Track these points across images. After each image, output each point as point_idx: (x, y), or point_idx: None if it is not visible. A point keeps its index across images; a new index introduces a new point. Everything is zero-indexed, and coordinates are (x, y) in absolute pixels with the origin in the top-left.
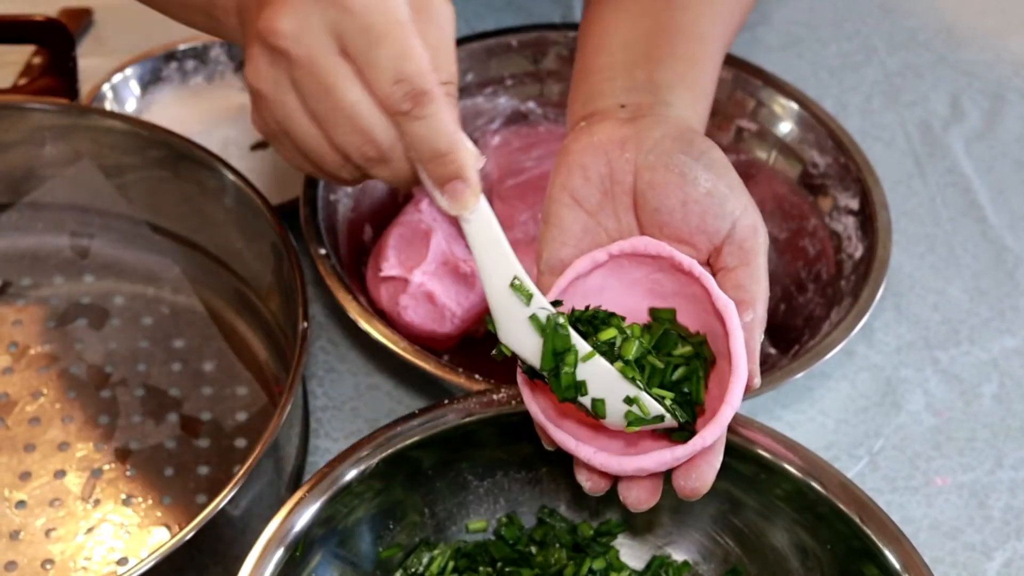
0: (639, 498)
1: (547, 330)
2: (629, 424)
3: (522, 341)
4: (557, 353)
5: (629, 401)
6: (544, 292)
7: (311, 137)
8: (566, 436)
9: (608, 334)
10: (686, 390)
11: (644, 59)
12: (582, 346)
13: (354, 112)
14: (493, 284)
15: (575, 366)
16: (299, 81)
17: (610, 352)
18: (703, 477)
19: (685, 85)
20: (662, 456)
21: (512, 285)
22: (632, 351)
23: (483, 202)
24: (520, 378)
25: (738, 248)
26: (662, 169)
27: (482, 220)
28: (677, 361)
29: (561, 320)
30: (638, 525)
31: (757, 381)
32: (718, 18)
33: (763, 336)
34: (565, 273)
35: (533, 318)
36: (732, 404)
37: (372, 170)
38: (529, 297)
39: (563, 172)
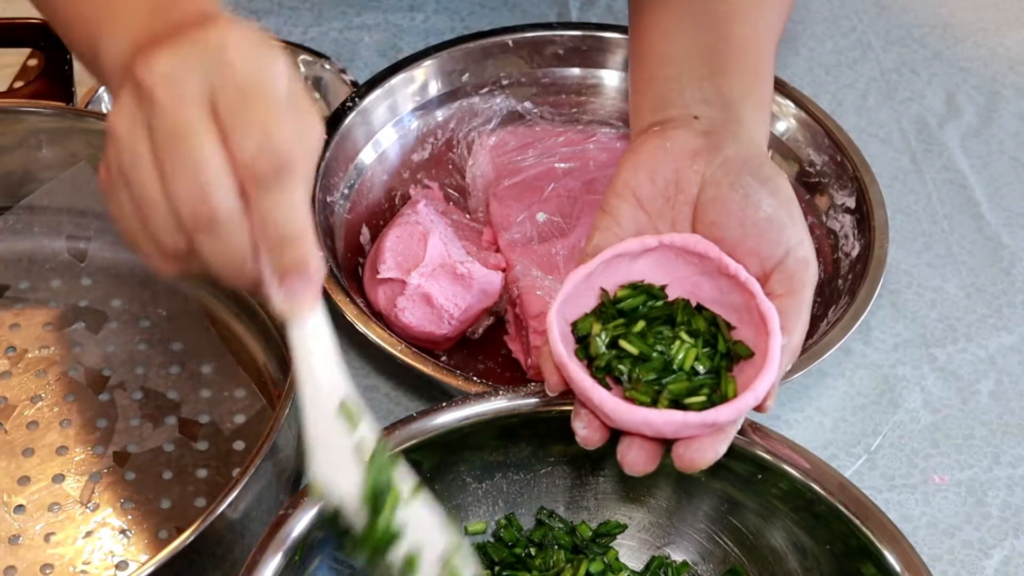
0: (636, 460)
1: (373, 465)
2: None
3: (338, 475)
4: (378, 493)
5: (446, 558)
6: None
7: (148, 186)
8: (583, 374)
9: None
10: (716, 375)
11: (710, 71)
12: (409, 483)
13: (201, 165)
14: (317, 405)
15: (394, 510)
16: (156, 127)
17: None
18: (703, 452)
19: (752, 100)
20: (672, 417)
21: (342, 407)
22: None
23: (320, 310)
24: (551, 316)
25: (787, 277)
26: (727, 187)
27: (316, 329)
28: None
29: (390, 451)
30: (637, 525)
31: (770, 403)
32: (771, 27)
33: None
34: (612, 246)
35: (359, 449)
36: (756, 394)
37: (200, 239)
38: (354, 424)
39: (630, 170)
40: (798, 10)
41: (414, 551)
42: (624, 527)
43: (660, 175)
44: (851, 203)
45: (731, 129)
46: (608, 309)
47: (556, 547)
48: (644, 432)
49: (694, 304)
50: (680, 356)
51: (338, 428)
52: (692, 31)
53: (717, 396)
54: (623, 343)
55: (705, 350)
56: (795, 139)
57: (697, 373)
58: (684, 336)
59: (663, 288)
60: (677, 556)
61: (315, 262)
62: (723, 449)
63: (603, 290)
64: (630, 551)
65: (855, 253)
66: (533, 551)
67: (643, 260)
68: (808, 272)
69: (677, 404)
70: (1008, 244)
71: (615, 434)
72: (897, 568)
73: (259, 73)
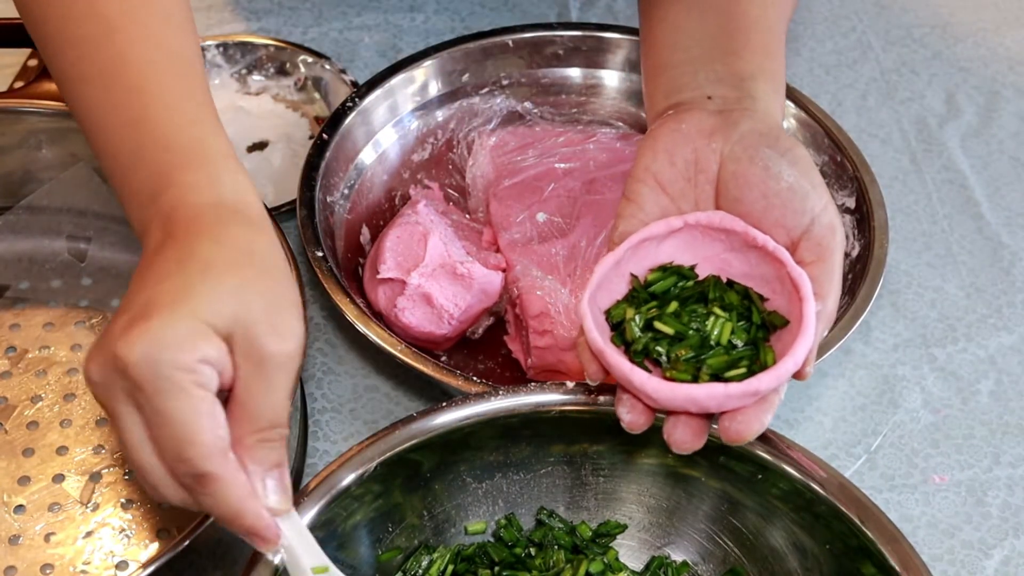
0: (683, 438)
1: None
2: None
3: None
4: None
5: None
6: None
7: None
8: (622, 359)
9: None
10: (754, 347)
11: (721, 52)
12: None
13: (142, 469)
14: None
15: None
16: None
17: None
18: (749, 423)
19: (765, 77)
20: (714, 389)
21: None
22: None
23: (290, 518)
24: (583, 306)
25: (816, 244)
26: (747, 161)
27: (291, 528)
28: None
29: None
30: (637, 525)
31: (810, 370)
32: (781, 10)
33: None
34: (637, 232)
35: None
36: (795, 359)
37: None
38: None
39: (648, 155)
40: (798, 10)
41: None
42: (624, 527)
43: (679, 156)
44: (851, 203)
45: (745, 105)
46: (640, 294)
47: (556, 547)
48: (689, 409)
49: (725, 280)
50: (716, 332)
51: None
52: (701, 17)
53: (757, 366)
54: (658, 324)
55: (740, 323)
56: (794, 139)
57: (735, 347)
58: (718, 311)
59: (692, 268)
60: (677, 556)
61: (259, 525)
62: (767, 420)
63: (633, 275)
64: (630, 551)
65: (855, 253)
66: (533, 551)
67: (670, 242)
68: (836, 237)
69: (718, 378)
70: (1008, 244)
71: (605, 431)
72: (897, 568)
73: (162, 390)
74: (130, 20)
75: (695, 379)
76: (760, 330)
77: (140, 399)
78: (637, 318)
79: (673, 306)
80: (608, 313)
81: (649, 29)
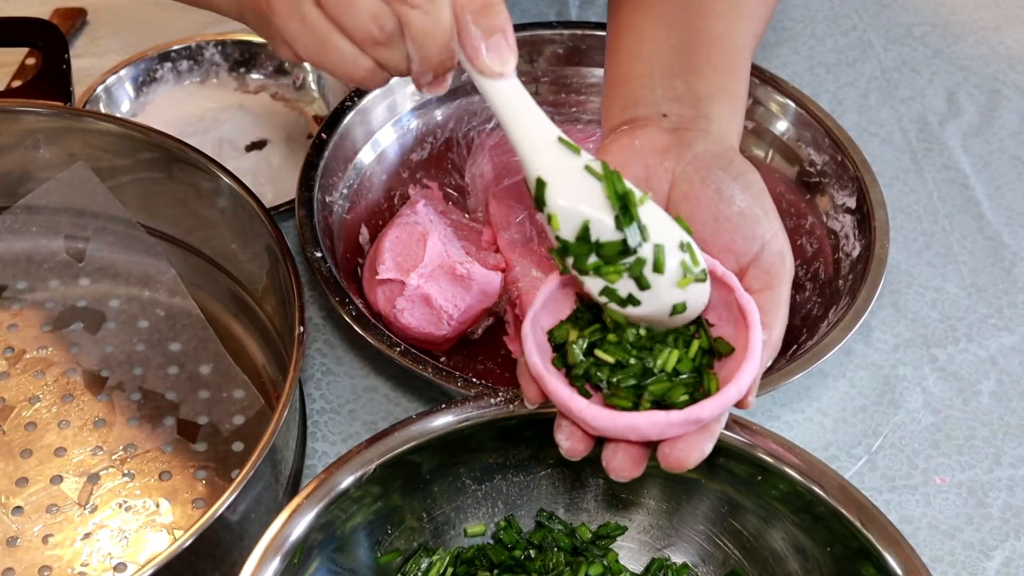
0: (622, 465)
1: (606, 175)
2: (683, 277)
3: (580, 193)
4: (620, 195)
5: (683, 248)
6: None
7: (326, 32)
8: (561, 385)
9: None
10: (697, 374)
11: (682, 68)
12: (638, 190)
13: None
14: (538, 146)
15: (638, 207)
16: None
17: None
18: (689, 451)
19: (724, 97)
20: (655, 417)
21: (560, 140)
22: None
23: (515, 73)
24: (525, 326)
25: (764, 272)
26: (698, 183)
27: (516, 88)
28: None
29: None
30: (637, 527)
31: (751, 401)
32: (748, 27)
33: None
34: None
35: (588, 168)
36: (739, 387)
37: (389, 49)
38: (577, 151)
39: None
40: (798, 9)
41: (659, 244)
42: (624, 529)
43: (629, 174)
44: (852, 203)
45: (700, 125)
46: (583, 315)
47: (556, 549)
48: (629, 437)
49: None
50: (660, 360)
51: (563, 158)
52: (666, 29)
53: (699, 394)
54: (599, 353)
55: (684, 350)
56: (795, 139)
57: (678, 373)
58: (663, 341)
59: None
60: (677, 558)
61: (511, 27)
62: (708, 448)
63: (578, 295)
64: (630, 553)
65: (856, 253)
66: (533, 553)
67: None
68: (784, 266)
69: (659, 405)
70: (1009, 244)
71: (600, 441)
72: (898, 570)
73: None
74: None
75: (636, 406)
76: (706, 355)
77: None
78: (580, 341)
79: (612, 337)
80: (551, 334)
81: (615, 35)
